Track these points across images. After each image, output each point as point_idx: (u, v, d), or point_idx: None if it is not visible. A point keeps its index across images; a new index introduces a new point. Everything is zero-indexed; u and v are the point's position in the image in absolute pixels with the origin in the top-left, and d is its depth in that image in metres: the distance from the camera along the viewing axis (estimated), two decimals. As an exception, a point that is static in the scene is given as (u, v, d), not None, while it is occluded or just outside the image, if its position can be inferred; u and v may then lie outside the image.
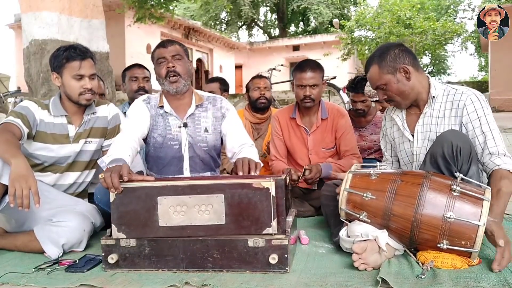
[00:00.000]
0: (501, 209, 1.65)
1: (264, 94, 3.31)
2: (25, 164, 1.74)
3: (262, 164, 1.97)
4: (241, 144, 2.21)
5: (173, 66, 2.17)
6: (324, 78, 2.71)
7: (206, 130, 2.27)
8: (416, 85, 1.94)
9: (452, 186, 1.60)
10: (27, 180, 1.68)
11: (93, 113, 2.23)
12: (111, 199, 1.65)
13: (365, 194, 1.70)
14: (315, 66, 2.61)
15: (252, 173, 1.86)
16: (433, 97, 1.94)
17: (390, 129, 2.16)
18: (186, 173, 2.25)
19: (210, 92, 3.58)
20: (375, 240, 1.62)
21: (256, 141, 3.30)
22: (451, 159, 1.74)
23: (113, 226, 1.66)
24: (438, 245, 1.57)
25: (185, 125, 2.23)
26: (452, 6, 20.80)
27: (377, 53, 1.96)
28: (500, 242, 1.52)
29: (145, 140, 2.27)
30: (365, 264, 1.58)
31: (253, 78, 3.49)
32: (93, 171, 2.30)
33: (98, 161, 2.20)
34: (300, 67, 2.62)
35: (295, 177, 2.46)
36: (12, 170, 1.71)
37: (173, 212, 1.62)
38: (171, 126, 2.24)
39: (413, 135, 2.00)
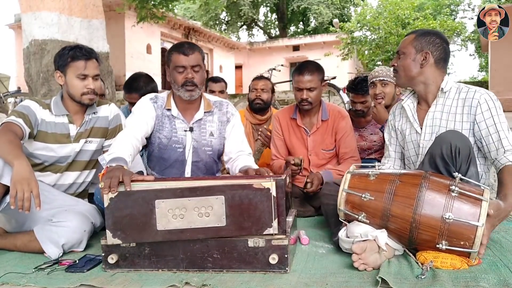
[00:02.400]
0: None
1: (259, 95, 3.29)
2: (27, 166, 1.74)
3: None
4: (239, 151, 2.22)
5: (192, 77, 2.16)
6: (324, 78, 2.70)
7: (211, 134, 2.27)
8: (426, 75, 1.99)
9: (450, 187, 1.61)
10: (29, 182, 1.67)
11: (94, 112, 2.23)
12: (105, 204, 1.60)
13: (363, 195, 1.70)
14: (314, 69, 2.58)
15: None
16: (442, 88, 1.97)
17: (398, 122, 2.18)
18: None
19: (220, 91, 3.60)
20: (374, 240, 1.62)
21: (256, 141, 3.30)
22: (450, 159, 1.75)
23: (107, 232, 1.62)
24: (437, 245, 1.58)
25: (191, 129, 2.23)
26: (452, 6, 20.76)
27: (425, 30, 2.07)
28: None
29: (148, 139, 2.26)
30: (365, 264, 1.58)
31: (253, 79, 3.48)
32: (93, 171, 2.30)
33: (99, 158, 2.20)
34: (298, 69, 2.60)
35: (297, 161, 2.45)
36: (14, 171, 1.70)
37: (171, 215, 1.59)
38: (177, 129, 2.24)
39: (421, 128, 2.03)
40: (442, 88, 1.98)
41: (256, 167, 2.06)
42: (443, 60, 2.00)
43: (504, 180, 1.76)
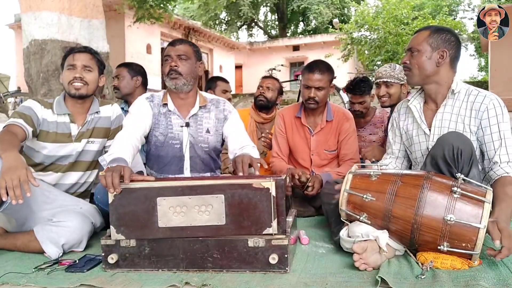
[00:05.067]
0: (505, 212, 1.61)
1: (263, 92, 3.32)
2: (15, 156, 1.70)
3: (265, 164, 1.97)
4: (242, 146, 2.22)
5: (176, 66, 2.18)
6: (333, 79, 2.68)
7: (208, 131, 2.28)
8: (441, 74, 1.94)
9: (452, 188, 1.60)
10: (16, 171, 1.62)
11: (96, 112, 2.24)
12: (110, 200, 1.64)
13: (365, 196, 1.70)
14: (325, 68, 2.57)
15: (253, 171, 1.86)
16: (453, 90, 1.93)
17: (403, 122, 2.13)
18: (187, 173, 2.26)
19: (225, 90, 3.63)
20: (375, 240, 1.62)
21: (259, 140, 3.31)
22: (452, 161, 1.73)
23: (111, 227, 1.66)
24: (439, 247, 1.57)
25: (187, 124, 2.24)
26: (452, 6, 20.73)
27: (439, 27, 1.99)
28: (496, 243, 1.50)
29: (146, 138, 2.27)
30: (366, 264, 1.58)
31: (262, 77, 3.53)
32: (96, 171, 2.30)
33: (99, 159, 2.20)
34: (309, 67, 2.60)
35: (303, 179, 2.43)
36: (2, 164, 1.67)
37: (172, 213, 1.62)
38: (173, 125, 2.24)
39: (430, 130, 1.98)
40: (453, 90, 1.93)
41: (255, 156, 2.03)
42: (457, 59, 1.95)
43: (497, 192, 1.69)
